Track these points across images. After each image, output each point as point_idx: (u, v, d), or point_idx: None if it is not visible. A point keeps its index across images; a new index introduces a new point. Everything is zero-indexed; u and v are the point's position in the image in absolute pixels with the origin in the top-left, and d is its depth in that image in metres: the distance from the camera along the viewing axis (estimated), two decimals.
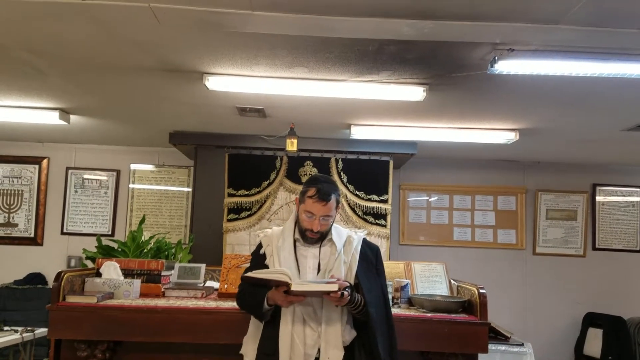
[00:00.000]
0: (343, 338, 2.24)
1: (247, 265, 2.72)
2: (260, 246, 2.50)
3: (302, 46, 2.94)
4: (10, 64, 3.41)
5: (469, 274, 5.38)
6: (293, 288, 2.14)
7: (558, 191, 6.20)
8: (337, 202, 2.37)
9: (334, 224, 2.42)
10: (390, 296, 3.04)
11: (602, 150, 5.41)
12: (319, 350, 2.23)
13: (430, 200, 6.20)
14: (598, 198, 6.23)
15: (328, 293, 2.14)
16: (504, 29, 2.60)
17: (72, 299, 2.78)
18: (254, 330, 2.43)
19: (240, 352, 2.46)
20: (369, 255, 2.40)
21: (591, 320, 5.91)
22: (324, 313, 2.25)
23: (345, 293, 2.15)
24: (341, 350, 2.21)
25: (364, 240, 2.44)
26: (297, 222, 2.41)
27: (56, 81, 3.76)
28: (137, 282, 3.03)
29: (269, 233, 2.50)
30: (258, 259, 2.46)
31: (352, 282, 2.29)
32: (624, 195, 6.24)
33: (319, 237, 2.35)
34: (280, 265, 2.32)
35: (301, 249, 2.38)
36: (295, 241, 2.40)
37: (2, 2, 2.47)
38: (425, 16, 2.47)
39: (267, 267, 2.36)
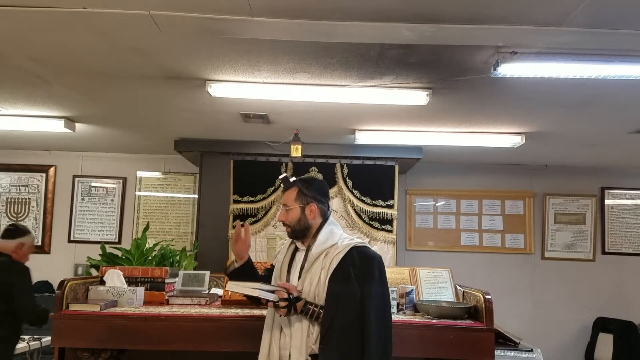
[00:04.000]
0: (313, 345, 2.22)
1: None
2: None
3: (303, 52, 2.93)
4: (13, 72, 3.43)
5: (477, 279, 5.34)
6: (227, 287, 2.36)
7: (566, 195, 6.15)
8: (300, 196, 2.37)
9: (332, 230, 2.38)
10: (394, 302, 3.02)
11: (610, 153, 5.36)
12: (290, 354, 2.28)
13: (437, 205, 6.16)
14: (607, 201, 6.16)
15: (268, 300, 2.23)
16: (506, 31, 2.58)
17: (75, 307, 2.79)
18: None
19: None
20: (353, 264, 2.26)
21: (602, 325, 5.83)
22: (292, 319, 2.28)
23: (282, 303, 2.19)
24: (303, 355, 2.22)
25: (355, 248, 2.30)
26: None
27: (60, 90, 3.78)
28: (140, 290, 3.03)
29: (286, 241, 2.55)
30: (269, 271, 2.59)
31: (325, 290, 2.25)
32: (633, 199, 6.17)
33: (292, 233, 2.39)
34: (275, 270, 2.47)
35: (298, 254, 2.42)
36: (296, 246, 2.44)
37: (3, 12, 2.48)
38: (426, 20, 2.45)
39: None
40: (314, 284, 2.27)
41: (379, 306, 2.24)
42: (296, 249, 2.43)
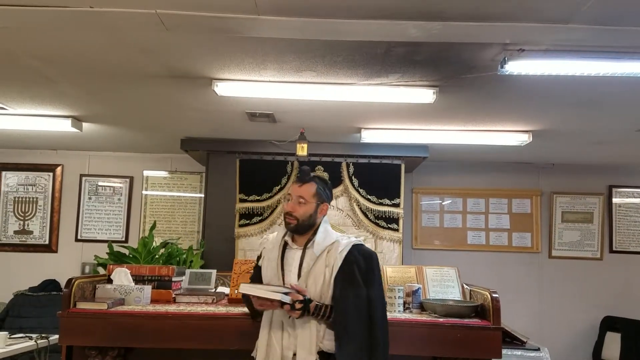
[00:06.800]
0: (320, 343, 2.23)
1: None
2: (259, 257, 2.53)
3: (309, 50, 2.93)
4: (20, 72, 3.44)
5: (483, 278, 5.32)
6: (240, 290, 2.26)
7: (573, 193, 6.11)
8: (319, 193, 2.37)
9: (326, 228, 2.38)
10: (401, 301, 3.01)
11: (618, 151, 5.33)
12: (295, 353, 2.26)
13: (443, 203, 6.15)
14: (614, 200, 6.13)
15: (281, 301, 2.18)
16: (513, 29, 2.56)
17: (83, 306, 2.80)
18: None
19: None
20: (356, 262, 2.28)
21: (609, 324, 5.80)
22: (296, 319, 2.26)
23: (297, 305, 2.17)
24: (313, 354, 2.22)
25: (356, 246, 2.32)
26: None
27: (67, 89, 3.79)
28: (147, 288, 3.03)
29: (269, 238, 2.53)
30: (255, 271, 2.53)
31: (331, 288, 2.25)
32: None
33: (295, 227, 2.35)
34: (266, 269, 2.40)
35: (289, 252, 2.39)
36: (285, 244, 2.41)
37: (10, 11, 2.49)
38: (433, 17, 2.44)
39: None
40: (319, 284, 2.26)
41: (381, 307, 2.29)
42: (285, 247, 2.40)
